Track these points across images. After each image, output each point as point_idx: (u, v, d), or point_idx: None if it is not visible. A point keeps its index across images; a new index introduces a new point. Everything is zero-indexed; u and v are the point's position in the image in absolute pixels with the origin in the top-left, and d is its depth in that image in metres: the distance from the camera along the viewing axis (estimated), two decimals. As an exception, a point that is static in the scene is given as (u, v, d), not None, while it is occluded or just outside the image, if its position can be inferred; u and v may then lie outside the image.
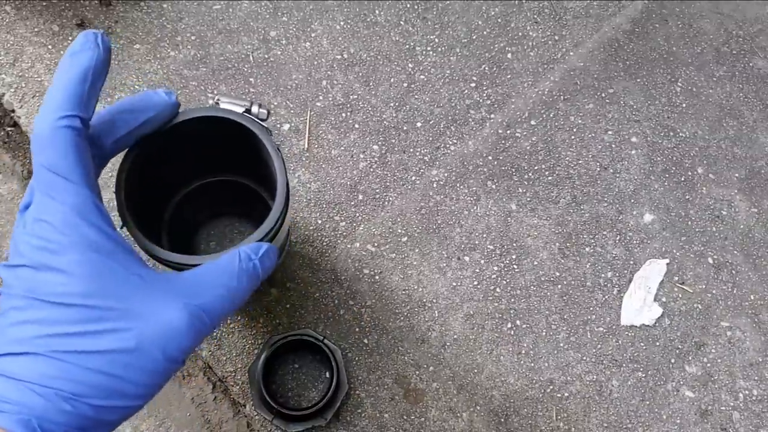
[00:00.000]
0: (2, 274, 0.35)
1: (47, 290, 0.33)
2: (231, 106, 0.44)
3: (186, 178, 0.54)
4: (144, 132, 0.40)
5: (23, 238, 0.34)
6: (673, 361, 0.64)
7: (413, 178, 0.67)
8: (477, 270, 0.64)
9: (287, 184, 0.43)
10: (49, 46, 0.65)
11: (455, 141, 0.69)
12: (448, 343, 0.62)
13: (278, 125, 0.67)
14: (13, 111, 0.64)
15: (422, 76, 0.72)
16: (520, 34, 0.76)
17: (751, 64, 0.79)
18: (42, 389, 0.32)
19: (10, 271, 0.34)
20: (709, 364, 0.64)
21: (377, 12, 0.74)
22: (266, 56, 0.69)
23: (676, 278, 0.67)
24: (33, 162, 0.34)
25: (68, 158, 0.34)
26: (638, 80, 0.75)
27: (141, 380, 0.34)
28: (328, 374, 0.58)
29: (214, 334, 0.59)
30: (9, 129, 0.65)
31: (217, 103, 0.44)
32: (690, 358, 0.64)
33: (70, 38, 0.66)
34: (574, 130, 0.72)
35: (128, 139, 0.40)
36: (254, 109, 0.44)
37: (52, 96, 0.35)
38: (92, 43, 0.36)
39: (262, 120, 0.44)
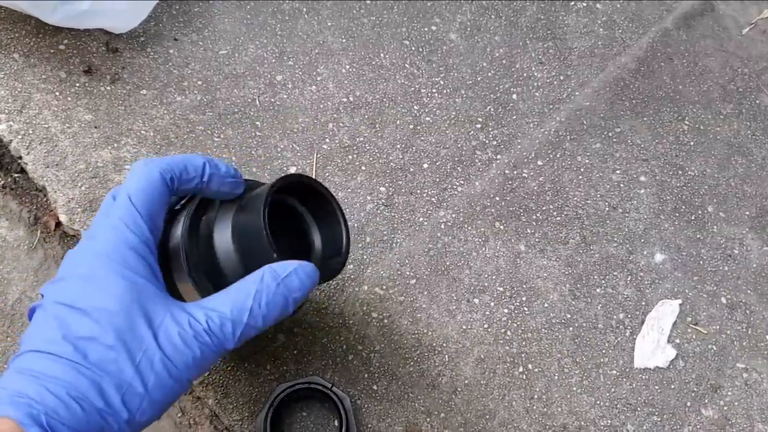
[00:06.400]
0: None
1: (87, 302, 0.39)
2: None
3: None
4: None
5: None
6: (688, 404, 0.63)
7: (421, 219, 0.67)
8: (487, 313, 0.64)
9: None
10: (57, 93, 0.66)
11: (462, 182, 0.69)
12: (459, 389, 0.60)
13: (285, 168, 0.66)
14: (20, 157, 0.64)
15: (428, 118, 0.72)
16: (525, 74, 0.76)
17: (757, 102, 0.79)
18: (56, 388, 0.36)
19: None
20: (725, 407, 0.63)
21: (382, 55, 0.74)
22: (272, 100, 0.70)
23: (690, 319, 0.66)
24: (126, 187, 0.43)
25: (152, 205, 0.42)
26: (645, 119, 0.75)
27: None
28: (336, 422, 0.57)
29: (220, 381, 0.58)
30: (16, 175, 0.65)
31: None
32: (706, 401, 0.63)
33: (77, 84, 0.66)
34: (582, 170, 0.71)
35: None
36: None
37: (170, 161, 0.44)
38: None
39: None
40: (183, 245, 0.44)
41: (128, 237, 0.41)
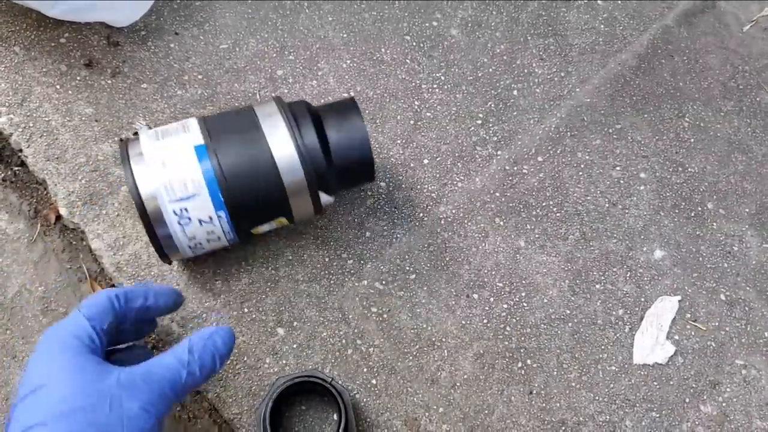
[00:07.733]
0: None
1: (48, 406, 0.41)
2: None
3: None
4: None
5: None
6: (687, 400, 0.63)
7: (421, 215, 0.67)
8: (486, 308, 0.64)
9: None
10: (57, 86, 0.66)
11: (462, 178, 0.69)
12: (458, 384, 0.60)
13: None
14: (20, 151, 0.64)
15: (428, 114, 0.72)
16: (525, 71, 0.76)
17: (758, 99, 0.79)
18: None
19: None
20: (724, 404, 0.63)
21: (383, 50, 0.74)
22: (273, 95, 0.70)
23: (689, 315, 0.66)
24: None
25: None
26: (645, 115, 0.75)
27: None
28: (336, 416, 0.57)
29: (220, 375, 0.58)
30: (16, 168, 0.65)
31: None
32: (705, 397, 0.63)
33: (78, 78, 0.66)
34: (582, 166, 0.71)
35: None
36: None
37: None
38: None
39: None
40: None
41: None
